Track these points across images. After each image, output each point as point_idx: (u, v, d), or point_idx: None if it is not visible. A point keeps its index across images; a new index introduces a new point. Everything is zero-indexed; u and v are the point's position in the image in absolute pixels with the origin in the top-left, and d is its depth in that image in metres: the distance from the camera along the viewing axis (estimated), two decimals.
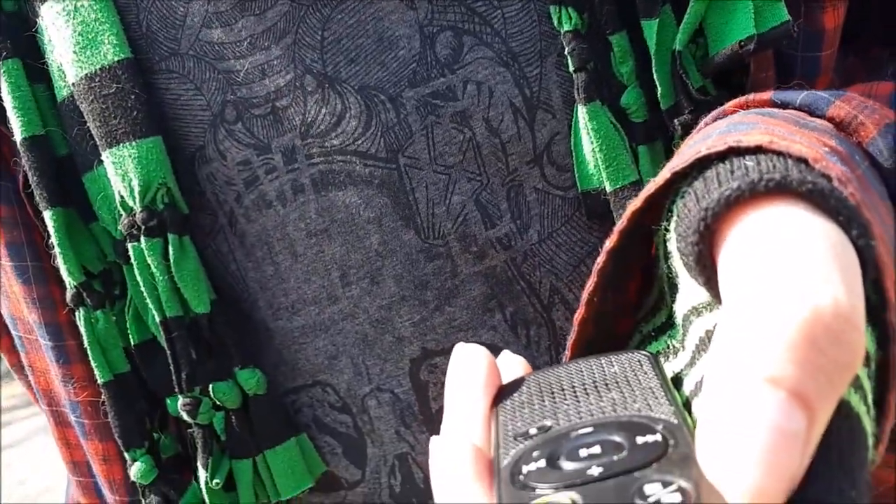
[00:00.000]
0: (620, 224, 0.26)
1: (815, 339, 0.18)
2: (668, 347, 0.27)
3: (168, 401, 0.42)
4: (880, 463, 0.36)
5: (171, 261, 0.39)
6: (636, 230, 0.26)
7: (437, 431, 0.41)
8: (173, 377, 0.40)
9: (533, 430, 0.23)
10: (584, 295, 0.28)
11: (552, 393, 0.25)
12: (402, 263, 0.39)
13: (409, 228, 0.38)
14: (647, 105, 0.36)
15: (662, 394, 0.23)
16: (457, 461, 0.23)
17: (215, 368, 0.40)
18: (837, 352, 0.18)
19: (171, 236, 0.39)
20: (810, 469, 0.18)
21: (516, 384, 0.26)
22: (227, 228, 0.40)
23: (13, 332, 0.47)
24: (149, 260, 0.39)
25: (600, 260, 0.27)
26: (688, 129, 0.35)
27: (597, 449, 0.20)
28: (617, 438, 0.21)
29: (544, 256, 0.39)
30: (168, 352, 0.40)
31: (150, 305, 0.40)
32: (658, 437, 0.20)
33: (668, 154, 0.37)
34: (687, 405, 0.23)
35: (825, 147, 0.24)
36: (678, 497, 0.17)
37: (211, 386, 0.40)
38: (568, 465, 0.20)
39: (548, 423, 0.23)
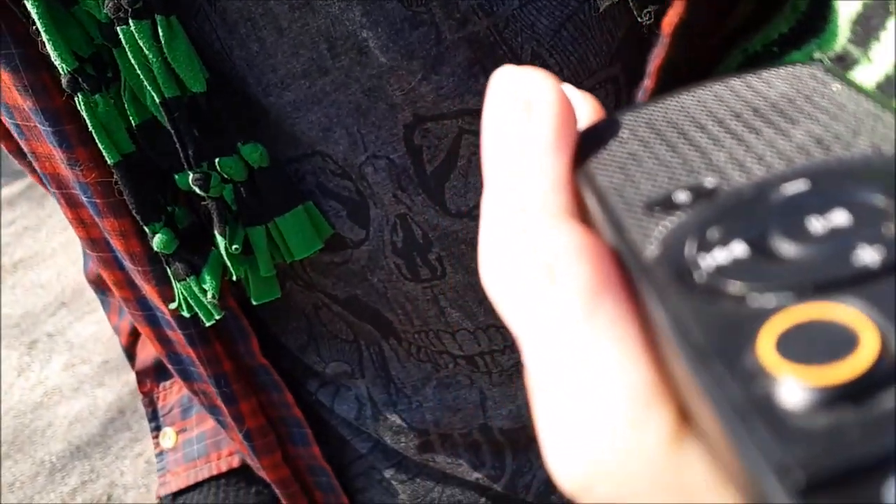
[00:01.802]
0: None
1: None
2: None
3: (177, 177, 0.44)
4: None
5: (163, 42, 0.40)
6: None
7: (432, 193, 0.45)
8: (181, 155, 0.42)
9: (681, 195, 0.14)
10: None
11: (683, 135, 0.15)
12: (388, 33, 0.40)
13: None
14: None
15: (893, 120, 0.14)
16: (545, 262, 0.15)
17: (219, 144, 0.42)
18: None
19: (158, 18, 0.39)
20: None
21: (606, 128, 0.17)
22: (206, 6, 0.40)
23: (8, 121, 0.48)
24: (140, 43, 0.40)
25: None
26: None
27: (841, 217, 0.12)
28: (871, 196, 0.12)
29: (525, 22, 0.40)
30: (172, 131, 0.42)
31: (148, 87, 0.41)
32: None
33: None
34: None
35: None
36: None
37: (217, 161, 0.42)
38: (799, 251, 0.12)
39: (705, 180, 0.14)
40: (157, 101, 0.41)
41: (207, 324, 0.48)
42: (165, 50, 0.40)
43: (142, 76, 0.41)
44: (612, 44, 0.41)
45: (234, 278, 0.46)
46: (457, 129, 0.43)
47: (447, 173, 0.44)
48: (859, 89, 0.16)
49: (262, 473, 0.55)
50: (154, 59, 0.40)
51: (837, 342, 0.11)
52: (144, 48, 0.40)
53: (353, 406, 0.54)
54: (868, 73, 0.18)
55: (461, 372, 0.51)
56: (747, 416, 0.11)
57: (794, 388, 0.11)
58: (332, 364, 0.54)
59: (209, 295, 0.46)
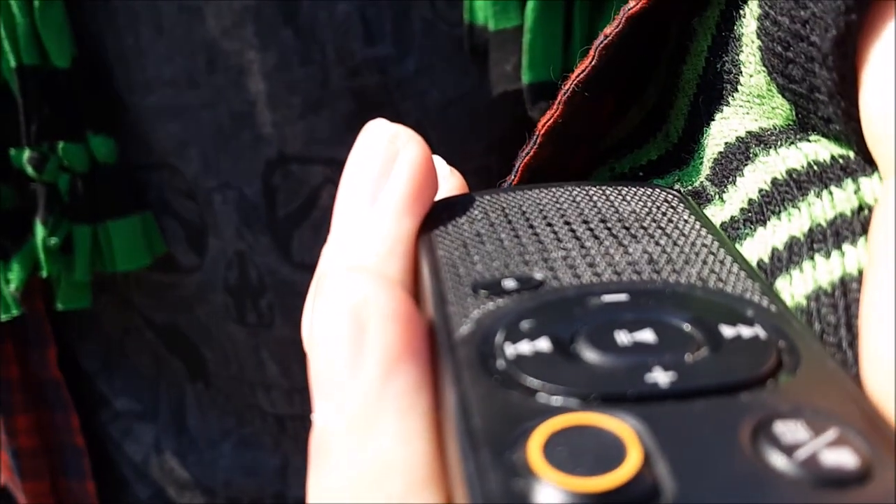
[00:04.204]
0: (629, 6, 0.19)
1: None
2: None
3: (13, 152, 0.41)
4: None
5: (36, 5, 0.37)
6: (648, 17, 0.19)
7: (278, 238, 0.43)
8: (22, 128, 0.39)
9: (510, 282, 0.14)
10: (569, 85, 0.21)
11: (530, 227, 0.16)
12: (274, 61, 0.39)
13: (288, 26, 0.38)
14: None
15: (729, 258, 0.15)
16: (364, 316, 0.14)
17: (68, 128, 0.40)
18: None
19: None
20: None
21: (461, 204, 0.17)
22: None
23: None
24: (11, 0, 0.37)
25: (612, 34, 0.20)
26: None
27: (647, 335, 0.12)
28: (682, 323, 0.13)
29: (417, 89, 0.39)
30: (20, 100, 0.39)
31: (7, 49, 0.38)
32: (758, 331, 0.12)
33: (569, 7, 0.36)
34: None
35: None
36: (850, 457, 0.10)
37: (61, 145, 0.39)
38: (598, 359, 0.12)
39: (536, 273, 0.14)
40: (13, 65, 0.38)
41: (2, 318, 0.43)
42: (37, 14, 0.37)
43: (3, 36, 0.38)
44: (495, 134, 0.41)
45: (45, 275, 0.42)
46: (321, 178, 0.41)
47: (299, 221, 0.42)
48: (705, 223, 0.16)
49: (22, 501, 0.49)
50: (21, 21, 0.37)
51: (603, 455, 0.11)
52: (14, 6, 0.37)
53: (141, 448, 0.50)
54: (718, 213, 0.19)
55: (267, 431, 0.47)
56: None
57: (551, 491, 0.11)
58: (122, 398, 0.49)
59: (12, 286, 0.42)
